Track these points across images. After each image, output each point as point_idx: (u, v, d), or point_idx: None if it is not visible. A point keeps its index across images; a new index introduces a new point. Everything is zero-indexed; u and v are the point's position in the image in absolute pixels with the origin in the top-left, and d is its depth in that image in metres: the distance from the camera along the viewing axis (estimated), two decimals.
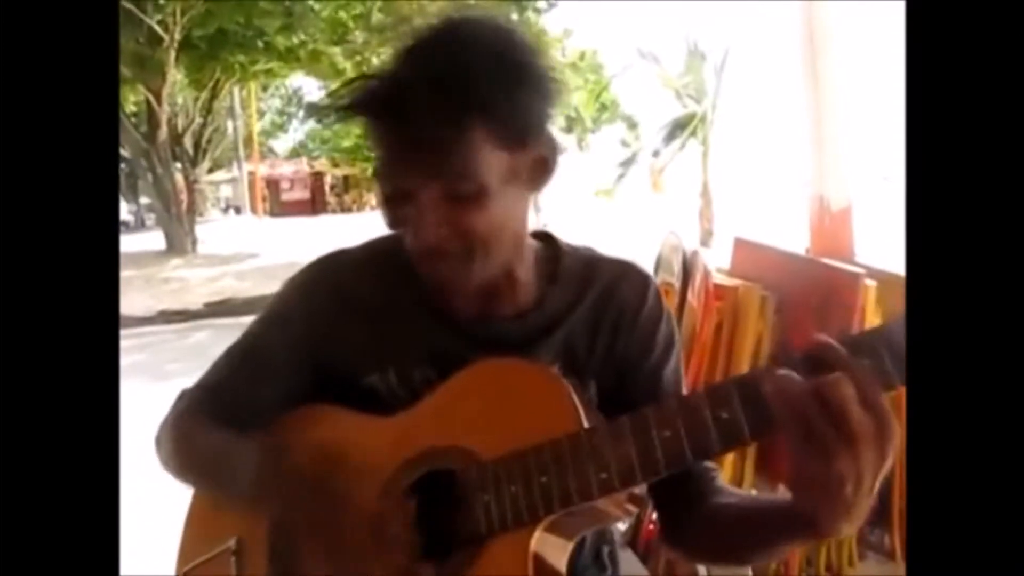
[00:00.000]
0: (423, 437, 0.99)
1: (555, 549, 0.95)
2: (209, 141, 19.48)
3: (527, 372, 0.99)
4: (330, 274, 1.12)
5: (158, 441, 1.15)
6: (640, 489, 0.96)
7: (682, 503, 1.04)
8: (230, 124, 27.20)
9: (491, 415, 0.97)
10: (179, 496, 1.17)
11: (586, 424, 0.92)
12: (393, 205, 0.97)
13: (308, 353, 1.10)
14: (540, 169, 1.00)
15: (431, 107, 0.90)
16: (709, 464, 1.05)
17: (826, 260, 2.51)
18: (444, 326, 1.07)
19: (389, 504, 0.94)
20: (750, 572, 1.29)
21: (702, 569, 1.32)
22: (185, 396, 1.15)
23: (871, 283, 2.21)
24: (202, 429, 1.10)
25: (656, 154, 16.07)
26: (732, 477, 2.31)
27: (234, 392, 1.11)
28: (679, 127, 15.14)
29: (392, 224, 0.99)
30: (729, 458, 2.29)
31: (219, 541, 1.06)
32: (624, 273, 1.11)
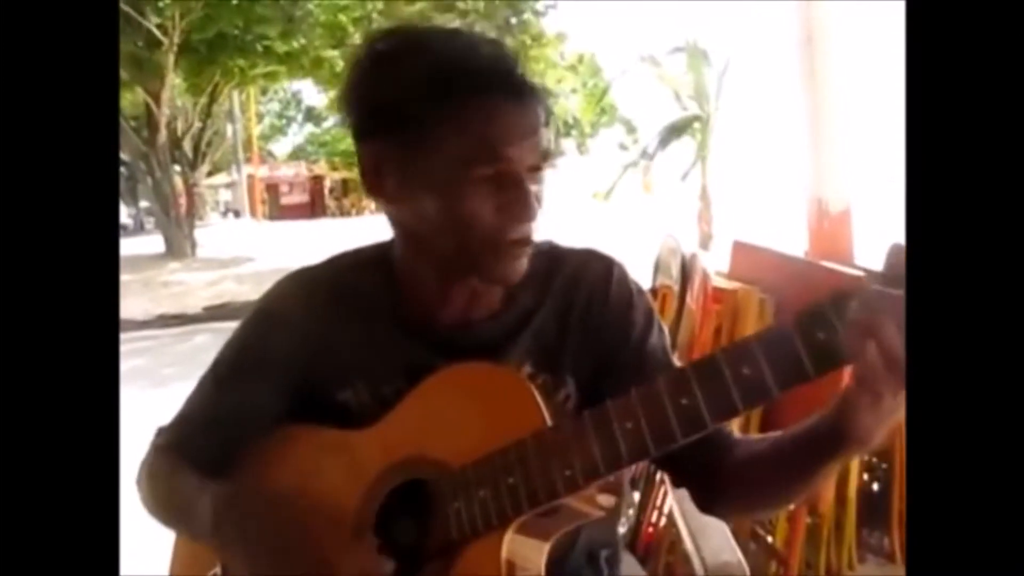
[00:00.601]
0: (394, 448, 0.99)
1: (530, 551, 0.95)
2: (208, 145, 19.45)
3: (489, 374, 1.00)
4: (296, 293, 1.12)
5: (138, 483, 1.13)
6: (616, 483, 0.98)
7: (706, 467, 1.03)
8: (229, 128, 27.17)
9: (457, 421, 0.98)
10: None
11: (550, 422, 0.92)
12: (484, 192, 0.95)
13: (280, 374, 1.09)
14: None
15: (532, 88, 0.97)
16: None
17: (825, 263, 2.51)
18: (416, 337, 1.07)
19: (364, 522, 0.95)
20: (747, 572, 1.28)
21: (699, 572, 1.32)
22: (161, 434, 1.14)
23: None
24: (173, 473, 1.08)
25: (646, 155, 16.04)
26: None
27: (209, 423, 1.10)
28: (676, 131, 15.11)
29: (468, 217, 0.96)
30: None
31: (204, 569, 1.06)
32: (586, 261, 1.11)
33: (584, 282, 1.09)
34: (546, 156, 0.99)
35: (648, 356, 1.08)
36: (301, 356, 1.08)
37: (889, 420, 0.83)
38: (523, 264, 1.00)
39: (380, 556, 0.94)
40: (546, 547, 0.96)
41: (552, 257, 1.11)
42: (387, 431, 1.01)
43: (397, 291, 1.08)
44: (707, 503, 1.10)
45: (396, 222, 1.05)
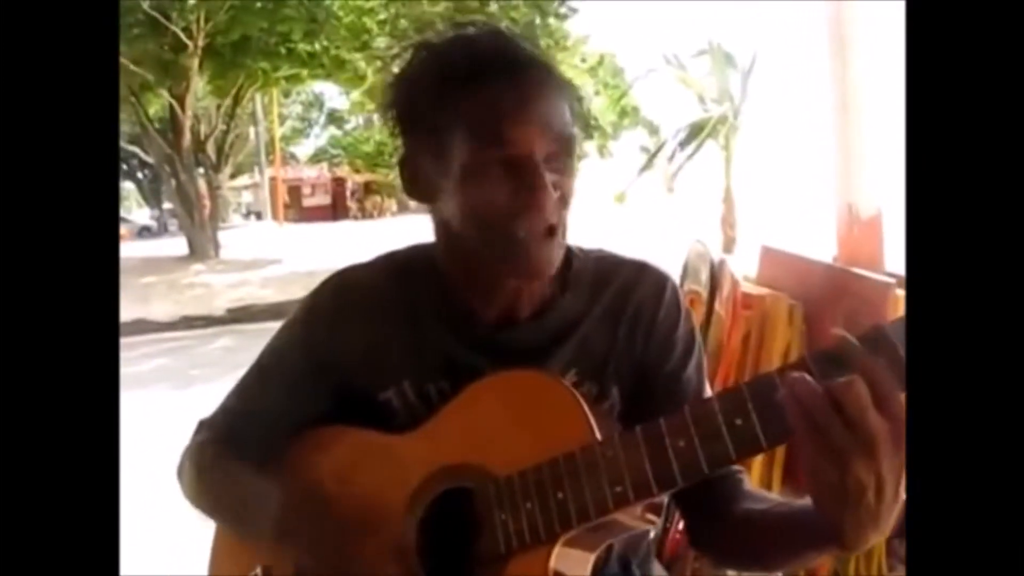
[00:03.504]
0: (438, 455, 0.98)
1: (576, 563, 0.94)
2: (231, 147, 19.61)
3: (538, 384, 0.98)
4: (342, 291, 1.12)
5: (179, 473, 1.14)
6: (660, 499, 0.95)
7: (708, 508, 1.02)
8: (252, 130, 27.38)
9: (504, 430, 0.96)
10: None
11: (599, 436, 0.90)
12: (496, 178, 0.94)
13: (325, 372, 1.09)
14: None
15: (549, 77, 0.97)
16: (735, 467, 1.03)
17: (855, 269, 2.47)
18: (460, 336, 1.06)
19: (407, 528, 0.94)
20: None
21: None
22: (204, 426, 1.16)
23: (901, 292, 2.17)
24: (222, 465, 1.09)
25: (671, 158, 15.97)
26: (760, 483, 2.28)
27: (252, 416, 1.11)
28: (699, 130, 15.04)
29: (484, 206, 0.95)
30: (757, 465, 2.27)
31: (246, 570, 1.05)
32: (640, 273, 1.10)
33: (636, 294, 1.08)
34: (565, 144, 0.96)
35: (681, 386, 1.07)
36: (344, 355, 1.09)
37: (873, 513, 0.74)
38: (551, 256, 0.98)
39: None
40: (592, 557, 0.96)
41: (604, 265, 1.10)
42: (431, 436, 1.01)
43: (442, 289, 1.08)
44: (700, 542, 1.09)
45: (434, 221, 1.06)
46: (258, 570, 1.04)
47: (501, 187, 0.94)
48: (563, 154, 0.96)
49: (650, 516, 0.96)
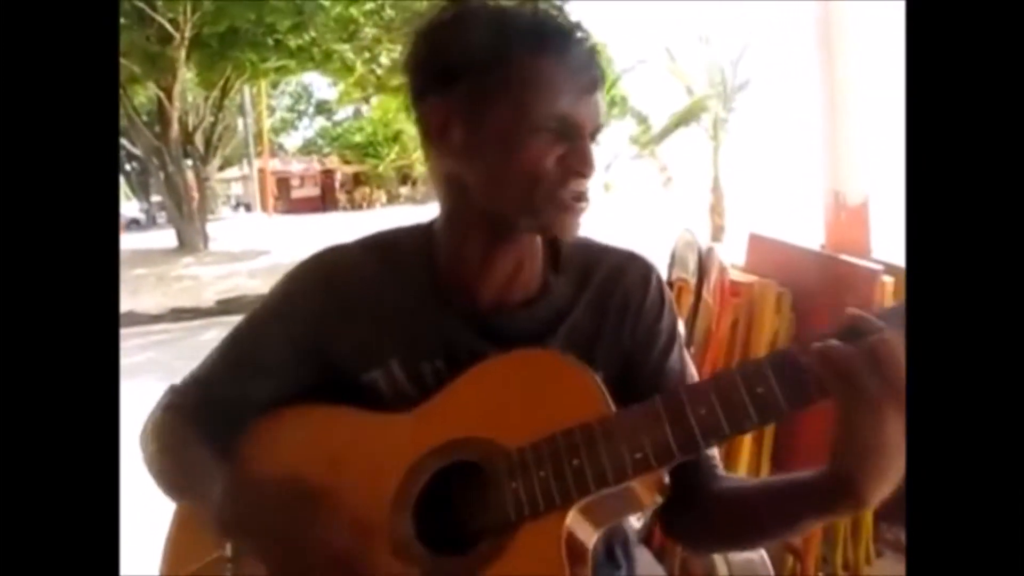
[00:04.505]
0: (444, 430, 0.98)
1: (585, 534, 0.94)
2: (220, 139, 19.50)
3: (550, 361, 0.99)
4: (326, 269, 1.11)
5: (143, 440, 1.11)
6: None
7: (683, 492, 1.02)
8: (240, 122, 27.26)
9: (515, 405, 0.97)
10: None
11: (613, 408, 0.91)
12: (547, 142, 0.96)
13: (301, 349, 1.08)
14: None
15: (593, 55, 1.00)
16: (710, 453, 1.04)
17: (843, 256, 2.48)
18: (454, 317, 1.06)
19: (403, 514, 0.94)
20: (770, 570, 1.27)
21: (722, 568, 1.30)
22: (173, 392, 1.13)
23: (888, 279, 2.18)
24: (183, 437, 1.07)
25: (658, 142, 16.01)
26: (748, 469, 2.30)
27: (223, 387, 1.10)
28: (682, 116, 15.06)
29: (532, 165, 0.96)
30: (746, 450, 2.28)
31: (212, 547, 1.02)
32: (626, 262, 1.11)
33: (622, 283, 1.09)
34: (598, 130, 1.00)
35: (665, 376, 1.08)
36: (326, 334, 1.08)
37: (891, 469, 0.79)
38: (579, 222, 1.01)
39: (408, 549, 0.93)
40: (596, 535, 0.96)
41: (591, 252, 1.11)
42: (436, 412, 1.00)
43: (435, 269, 1.07)
44: (677, 529, 1.09)
45: (454, 181, 1.03)
46: (227, 548, 1.00)
47: (552, 150, 0.96)
48: (595, 135, 1.00)
49: (657, 496, 0.96)
